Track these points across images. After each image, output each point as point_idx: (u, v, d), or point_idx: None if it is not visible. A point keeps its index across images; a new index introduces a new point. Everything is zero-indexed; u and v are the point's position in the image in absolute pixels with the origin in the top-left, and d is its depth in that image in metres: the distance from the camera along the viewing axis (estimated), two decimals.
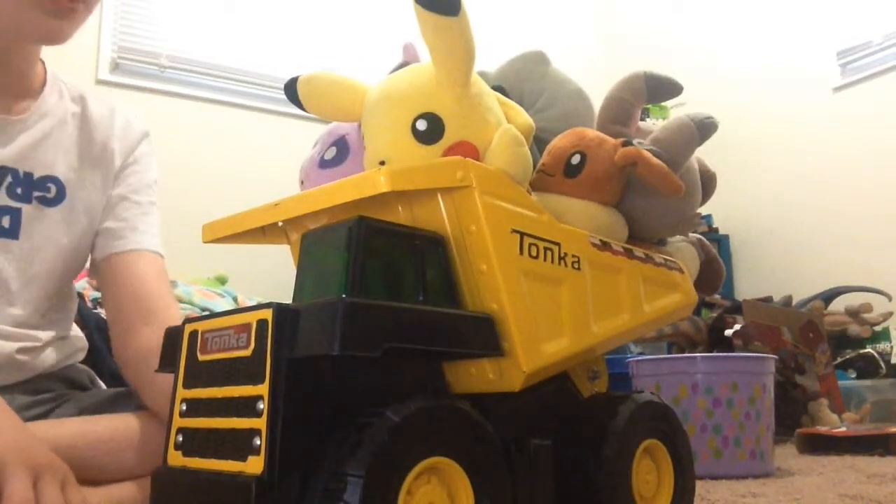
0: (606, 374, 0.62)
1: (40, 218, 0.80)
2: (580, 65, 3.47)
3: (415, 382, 0.48)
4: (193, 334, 0.47)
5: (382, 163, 0.51)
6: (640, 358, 1.34)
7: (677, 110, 0.66)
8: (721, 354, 1.71)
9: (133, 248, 0.84)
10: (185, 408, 0.47)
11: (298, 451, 0.40)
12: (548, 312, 0.51)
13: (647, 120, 2.93)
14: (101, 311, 1.63)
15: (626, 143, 0.59)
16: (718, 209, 2.96)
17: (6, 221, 0.77)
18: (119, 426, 0.70)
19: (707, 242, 0.72)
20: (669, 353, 2.25)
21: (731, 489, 1.00)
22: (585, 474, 0.53)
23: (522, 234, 0.50)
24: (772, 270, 2.83)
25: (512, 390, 0.48)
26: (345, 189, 0.46)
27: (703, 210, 2.69)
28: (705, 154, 0.68)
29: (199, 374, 0.46)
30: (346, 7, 2.95)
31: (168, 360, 0.50)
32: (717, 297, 2.56)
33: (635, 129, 0.66)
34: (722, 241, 2.98)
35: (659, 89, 0.66)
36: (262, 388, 0.40)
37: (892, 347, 2.09)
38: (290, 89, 0.58)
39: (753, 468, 1.15)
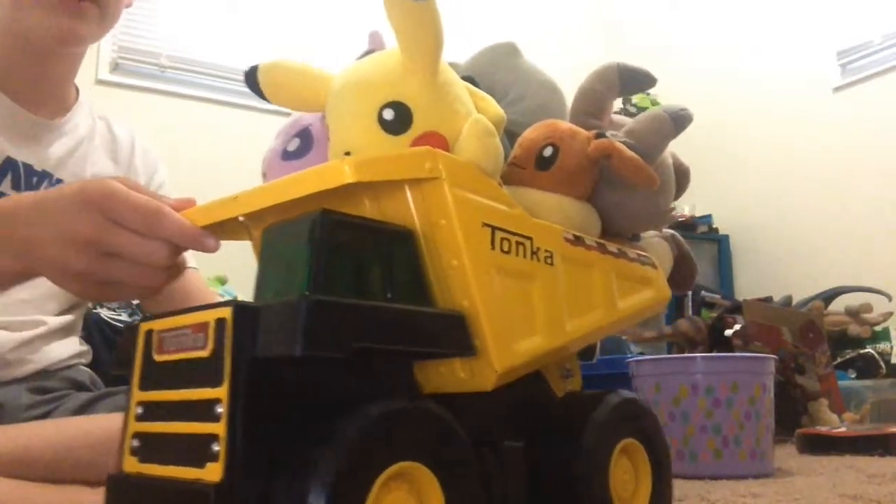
0: (580, 372, 0.61)
1: None
2: (579, 67, 3.47)
3: (383, 383, 0.46)
4: (149, 333, 0.45)
5: (347, 153, 0.49)
6: (640, 358, 1.34)
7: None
8: (721, 354, 1.70)
9: (187, 265, 0.90)
10: (140, 411, 0.44)
11: (259, 456, 0.38)
12: (520, 309, 0.49)
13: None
14: (101, 312, 1.63)
15: (600, 136, 0.57)
16: (718, 209, 2.96)
17: None
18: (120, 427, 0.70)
19: (681, 238, 0.71)
20: (669, 353, 2.25)
21: (731, 489, 0.99)
22: (561, 475, 0.51)
23: (494, 228, 0.48)
24: (772, 270, 2.83)
25: (484, 390, 0.47)
26: (308, 180, 0.43)
27: (704, 210, 2.68)
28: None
29: (156, 375, 0.44)
30: (347, 7, 2.95)
31: (123, 360, 0.48)
32: (716, 297, 2.56)
33: (608, 121, 0.65)
34: (722, 241, 2.99)
35: (632, 81, 0.65)
36: (221, 391, 0.38)
37: (892, 347, 2.09)
38: (251, 78, 0.56)
39: (753, 468, 1.15)
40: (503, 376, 0.46)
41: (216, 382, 0.38)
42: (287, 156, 0.58)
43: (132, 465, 0.44)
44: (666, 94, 2.97)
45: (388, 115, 0.48)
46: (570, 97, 0.67)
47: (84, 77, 2.76)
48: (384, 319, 0.42)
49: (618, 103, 2.95)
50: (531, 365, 0.50)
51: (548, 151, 0.57)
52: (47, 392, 0.78)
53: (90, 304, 1.57)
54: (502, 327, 0.47)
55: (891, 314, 2.14)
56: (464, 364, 0.46)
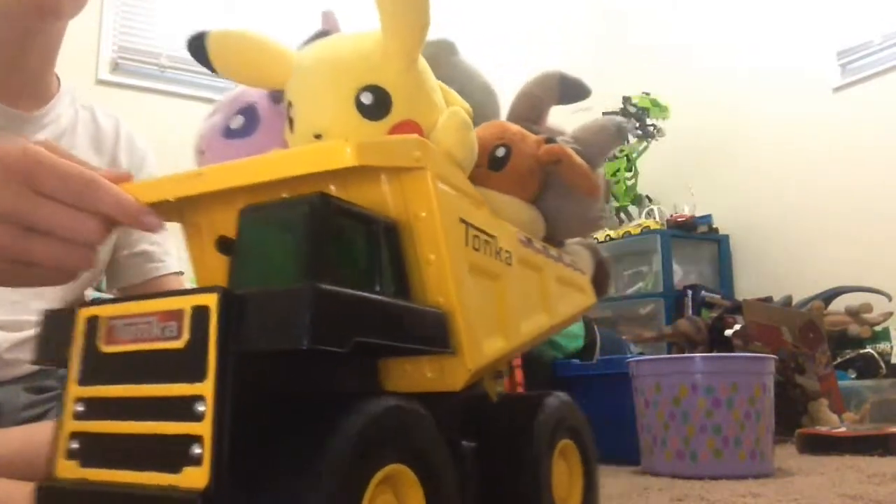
0: (506, 374, 0.61)
1: None
2: (579, 58, 3.44)
3: (351, 380, 0.43)
4: (92, 321, 0.39)
5: (318, 136, 0.46)
6: (640, 358, 1.34)
7: (584, 115, 0.66)
8: (721, 354, 1.70)
9: (172, 271, 0.91)
10: (81, 409, 0.39)
11: (247, 460, 0.34)
12: (487, 308, 0.48)
13: (647, 120, 2.93)
14: None
15: (549, 140, 0.58)
16: (718, 209, 2.96)
17: None
18: None
19: (598, 246, 0.72)
20: (669, 353, 2.25)
21: (731, 489, 0.99)
22: (508, 479, 0.49)
23: (467, 225, 0.46)
24: (772, 270, 2.83)
25: (453, 389, 0.45)
26: (299, 160, 0.40)
27: (704, 210, 2.67)
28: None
29: (102, 368, 0.38)
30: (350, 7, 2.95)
31: (47, 349, 0.42)
32: (716, 297, 2.56)
33: (545, 126, 0.65)
34: (722, 241, 2.98)
35: (571, 91, 0.65)
36: (204, 387, 0.34)
37: (892, 347, 2.09)
38: (197, 44, 0.50)
39: (753, 468, 1.15)
40: (474, 376, 0.45)
41: (196, 377, 0.34)
42: (230, 133, 0.55)
43: (70, 470, 0.38)
44: (666, 94, 2.98)
45: (367, 99, 0.46)
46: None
47: (84, 77, 2.76)
48: (381, 313, 0.39)
49: (617, 102, 2.95)
50: (494, 366, 0.49)
51: (500, 152, 0.56)
52: (45, 391, 0.78)
53: None
54: (473, 326, 0.45)
55: (891, 314, 2.14)
56: (433, 363, 0.44)
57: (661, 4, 3.39)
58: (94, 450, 0.38)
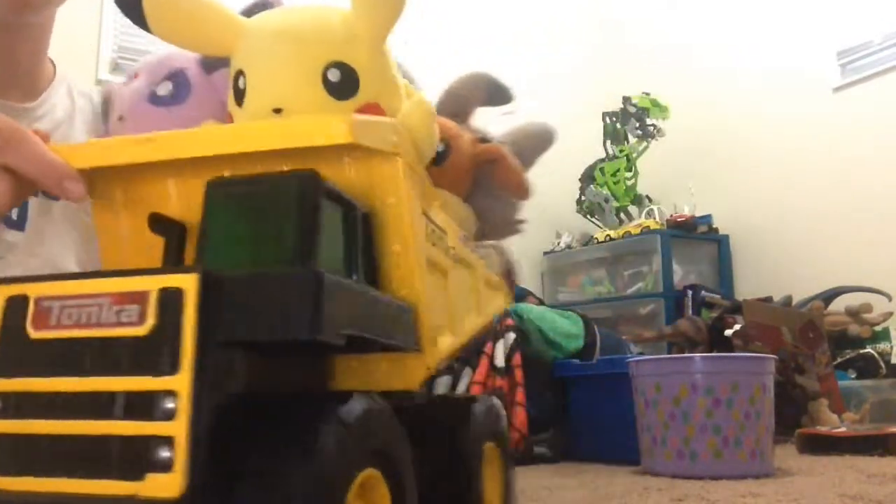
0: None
1: (46, 210, 0.79)
2: (577, 64, 3.42)
3: (305, 377, 0.40)
4: (18, 301, 0.34)
5: (278, 111, 0.44)
6: (640, 358, 1.34)
7: (510, 118, 0.67)
8: (721, 354, 1.70)
9: None
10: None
11: (223, 464, 0.30)
12: (440, 304, 0.46)
13: (647, 120, 2.93)
14: None
15: (484, 140, 0.57)
16: (718, 209, 2.96)
17: (14, 213, 0.76)
18: None
19: (509, 251, 0.72)
20: (669, 353, 2.25)
21: (731, 489, 0.99)
22: (444, 483, 0.47)
23: (427, 218, 0.45)
24: (772, 270, 2.82)
25: (411, 388, 0.42)
26: (286, 133, 0.37)
27: (704, 210, 2.68)
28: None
29: (31, 357, 0.33)
30: None
31: None
32: (716, 297, 2.56)
33: (471, 127, 0.64)
34: (722, 241, 2.98)
35: (497, 94, 0.65)
36: (176, 381, 0.30)
37: (892, 347, 2.09)
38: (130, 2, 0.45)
39: (753, 468, 1.14)
40: (430, 374, 0.43)
41: (165, 370, 0.30)
42: (157, 100, 0.51)
43: None
44: (666, 94, 2.98)
45: (334, 76, 0.43)
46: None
47: (84, 77, 2.75)
48: (369, 306, 0.36)
49: (617, 102, 2.95)
50: (442, 364, 0.47)
51: (439, 147, 0.55)
52: None
53: None
54: (433, 322, 0.43)
55: (891, 314, 2.14)
56: (390, 360, 0.42)
57: (661, 4, 3.39)
58: (18, 454, 0.32)
